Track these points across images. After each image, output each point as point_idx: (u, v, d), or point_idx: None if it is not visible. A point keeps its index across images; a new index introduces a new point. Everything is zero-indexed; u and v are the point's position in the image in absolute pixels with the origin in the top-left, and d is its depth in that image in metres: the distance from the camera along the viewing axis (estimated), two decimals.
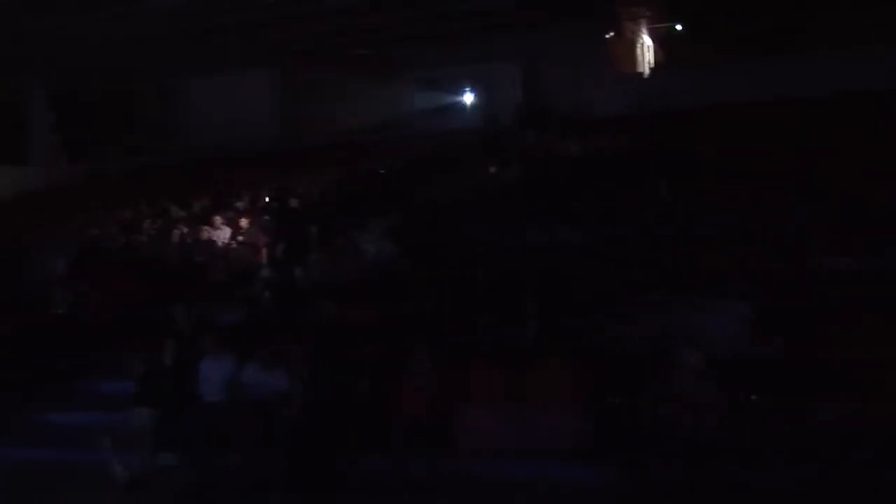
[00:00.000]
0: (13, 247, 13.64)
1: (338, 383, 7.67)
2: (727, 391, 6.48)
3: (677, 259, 8.89)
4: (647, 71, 21.13)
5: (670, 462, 6.16)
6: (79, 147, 22.36)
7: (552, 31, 20.50)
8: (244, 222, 13.09)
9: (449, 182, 13.96)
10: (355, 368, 7.76)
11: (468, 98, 23.63)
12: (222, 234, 13.10)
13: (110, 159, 22.40)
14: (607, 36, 20.44)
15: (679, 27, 20.48)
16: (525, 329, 7.85)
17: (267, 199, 14.64)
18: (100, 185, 19.87)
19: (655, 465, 6.21)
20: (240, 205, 14.79)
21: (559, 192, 12.08)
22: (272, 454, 7.24)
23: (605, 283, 8.60)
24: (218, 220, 13.30)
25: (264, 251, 12.74)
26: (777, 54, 17.73)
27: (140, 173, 20.85)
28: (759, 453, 6.08)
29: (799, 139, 12.41)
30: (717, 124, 14.18)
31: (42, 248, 13.14)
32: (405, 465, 7.06)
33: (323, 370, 7.84)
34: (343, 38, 21.44)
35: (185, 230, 13.37)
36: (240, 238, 12.86)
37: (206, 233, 12.74)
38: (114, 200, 16.61)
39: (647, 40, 20.91)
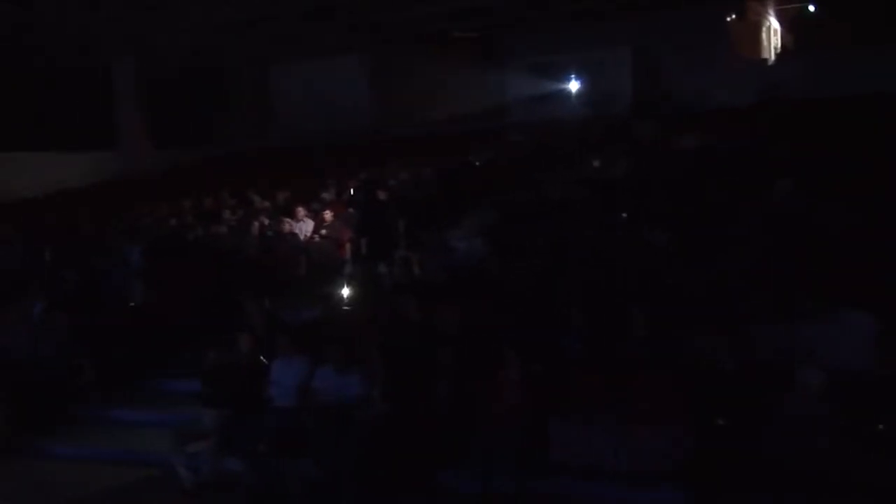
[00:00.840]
0: (91, 234, 14.04)
1: (419, 390, 7.58)
2: (850, 418, 6.06)
3: (801, 266, 8.44)
4: (773, 57, 20.46)
5: (778, 494, 5.89)
6: (165, 132, 22.98)
7: (669, 14, 20.03)
8: (328, 215, 13.10)
9: (553, 176, 13.73)
10: (439, 374, 7.62)
11: (576, 86, 23.20)
12: (305, 227, 13.16)
13: (196, 146, 23.02)
14: (729, 19, 19.89)
15: (812, 8, 19.71)
16: (628, 338, 7.58)
17: (353, 191, 14.63)
18: (183, 172, 20.44)
19: (760, 495, 5.96)
20: (325, 196, 14.83)
21: (672, 190, 11.69)
22: (346, 464, 7.17)
23: (719, 291, 8.24)
24: (301, 211, 13.36)
25: (348, 246, 12.83)
26: None
27: (225, 161, 21.37)
28: (883, 492, 5.71)
29: None
30: (854, 117, 13.51)
31: (119, 237, 13.45)
32: (489, 480, 6.94)
33: (403, 375, 7.75)
34: (443, 21, 21.42)
35: (267, 222, 13.48)
36: (323, 231, 12.88)
37: (288, 225, 12.80)
38: (196, 188, 16.93)
39: (773, 23, 20.25)
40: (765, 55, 21.02)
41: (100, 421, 9.36)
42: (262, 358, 8.30)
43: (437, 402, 7.47)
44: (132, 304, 10.91)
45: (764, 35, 21.19)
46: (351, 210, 13.62)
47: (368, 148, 19.57)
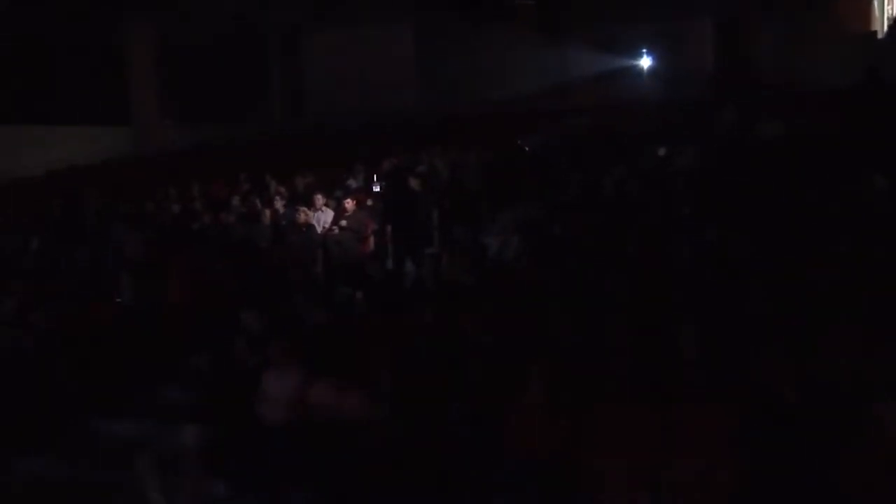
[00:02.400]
0: (90, 220, 14.08)
1: (433, 412, 7.35)
2: None
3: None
4: (884, 31, 19.79)
5: None
6: (187, 108, 23.13)
7: None
8: (350, 204, 12.95)
9: (610, 165, 13.42)
10: (457, 393, 7.41)
11: (648, 63, 22.83)
12: (324, 218, 13.06)
13: (222, 124, 23.13)
14: None
15: None
16: (681, 359, 7.22)
17: (384, 179, 14.45)
18: (203, 152, 20.55)
19: None
20: (351, 183, 14.67)
21: (757, 186, 11.37)
22: (347, 494, 7.07)
23: (793, 305, 7.84)
24: (320, 199, 13.25)
25: (372, 240, 12.66)
26: None
27: (251, 141, 21.42)
28: None
29: None
30: None
31: (114, 224, 13.42)
32: None
33: (415, 393, 7.51)
34: None
35: (282, 210, 13.34)
36: (343, 223, 12.73)
37: (303, 215, 12.65)
38: (212, 171, 16.91)
39: None
40: (874, 28, 20.37)
41: (80, 435, 9.17)
42: (254, 366, 8.12)
43: (452, 427, 7.22)
44: (118, 300, 10.76)
45: (875, 4, 20.54)
46: (380, 200, 13.48)
47: (410, 130, 19.48)
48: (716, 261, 9.17)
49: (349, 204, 12.95)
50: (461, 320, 8.32)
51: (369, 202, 13.65)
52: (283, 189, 14.57)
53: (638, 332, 7.62)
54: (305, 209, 12.86)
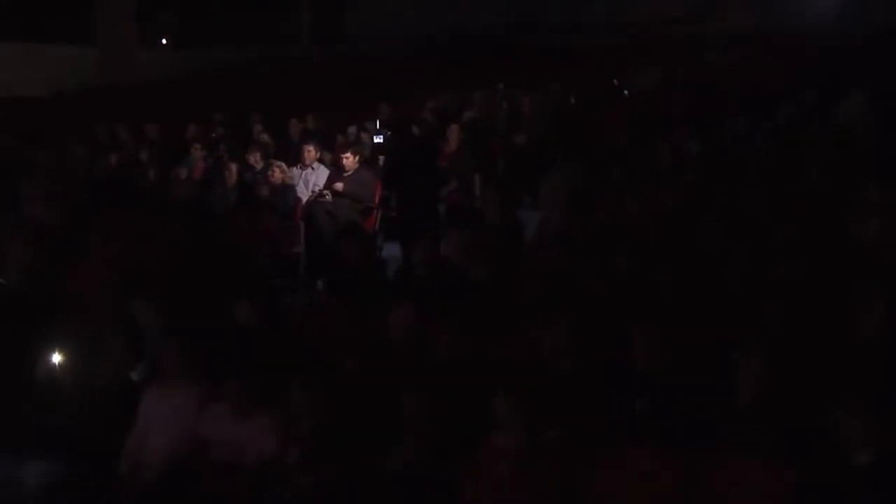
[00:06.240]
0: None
1: (367, 456, 7.31)
2: None
3: None
4: None
5: None
6: (192, 29, 23.54)
7: None
8: (349, 160, 12.83)
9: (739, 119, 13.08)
10: (401, 434, 7.33)
11: None
12: (314, 178, 13.10)
13: (224, 48, 23.50)
14: None
15: None
16: (725, 404, 7.13)
17: (409, 125, 14.34)
18: (178, 84, 20.77)
19: None
20: (352, 131, 14.66)
21: None
22: None
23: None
24: (311, 153, 13.18)
25: (378, 213, 12.69)
26: None
27: (264, 71, 21.64)
28: None
29: None
30: None
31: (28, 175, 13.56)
32: None
33: (345, 427, 7.48)
34: None
35: (258, 165, 13.38)
36: (339, 186, 12.64)
37: (279, 173, 12.59)
38: (183, 109, 17.02)
39: None
40: None
41: None
42: (132, 381, 8.23)
43: (391, 480, 7.14)
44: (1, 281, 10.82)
45: None
46: (400, 154, 13.38)
47: (474, 60, 19.37)
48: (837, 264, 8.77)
49: (348, 160, 12.79)
50: (435, 331, 8.20)
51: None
52: (266, 137, 14.53)
53: (679, 358, 7.46)
54: (282, 165, 12.79)
